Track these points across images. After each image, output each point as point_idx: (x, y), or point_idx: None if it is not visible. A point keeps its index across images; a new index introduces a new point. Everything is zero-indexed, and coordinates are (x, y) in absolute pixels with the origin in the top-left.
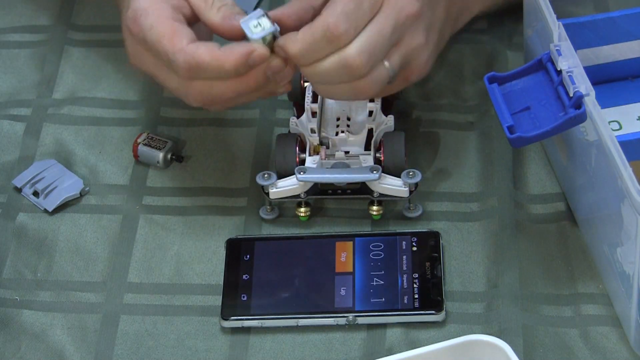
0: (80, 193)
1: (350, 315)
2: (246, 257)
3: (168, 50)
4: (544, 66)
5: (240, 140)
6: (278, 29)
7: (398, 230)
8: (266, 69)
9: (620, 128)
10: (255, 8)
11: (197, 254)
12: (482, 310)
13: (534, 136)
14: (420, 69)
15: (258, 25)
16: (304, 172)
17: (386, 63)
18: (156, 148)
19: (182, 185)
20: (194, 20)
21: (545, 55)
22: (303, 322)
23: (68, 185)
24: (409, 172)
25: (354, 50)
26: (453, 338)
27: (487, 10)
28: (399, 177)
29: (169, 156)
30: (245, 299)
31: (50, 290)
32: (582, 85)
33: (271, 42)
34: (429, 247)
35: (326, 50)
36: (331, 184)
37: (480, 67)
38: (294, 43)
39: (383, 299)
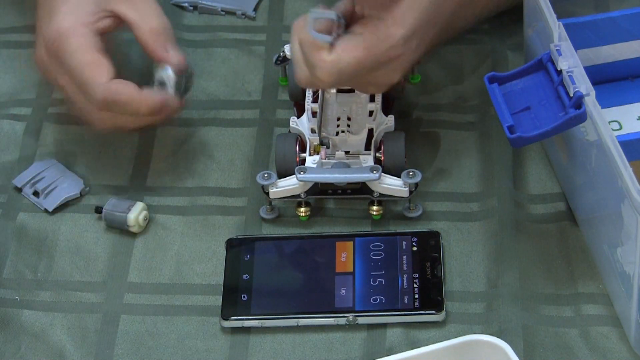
0: (80, 193)
1: (351, 315)
2: (246, 257)
3: (88, 82)
4: (544, 66)
5: (240, 140)
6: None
7: (398, 230)
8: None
9: (620, 128)
10: (255, 9)
11: (197, 254)
12: (482, 310)
13: (534, 136)
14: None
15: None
16: (304, 172)
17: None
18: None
19: (182, 185)
20: (109, 30)
21: (545, 55)
22: (303, 322)
23: (68, 185)
24: (409, 172)
25: (325, 71)
26: (453, 338)
27: (481, 16)
28: (399, 177)
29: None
30: (245, 299)
31: (51, 290)
32: (582, 85)
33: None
34: (429, 247)
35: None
36: (331, 184)
37: (480, 67)
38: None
39: (383, 299)
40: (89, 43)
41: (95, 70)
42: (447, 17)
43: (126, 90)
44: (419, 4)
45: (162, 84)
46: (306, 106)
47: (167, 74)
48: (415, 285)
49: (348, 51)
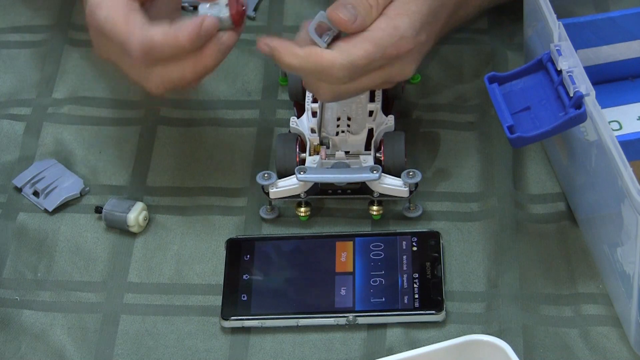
0: (80, 193)
1: (351, 315)
2: (246, 257)
3: (122, 37)
4: (544, 66)
5: (240, 140)
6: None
7: (398, 230)
8: (219, 45)
9: (620, 128)
10: (255, 9)
11: (197, 254)
12: (482, 310)
13: (534, 136)
14: (401, 80)
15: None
16: (304, 172)
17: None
18: None
19: (182, 185)
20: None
21: (545, 55)
22: (303, 322)
23: (68, 185)
24: (409, 172)
25: (337, 55)
26: (453, 338)
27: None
28: (399, 177)
29: None
30: (245, 299)
31: (50, 290)
32: (582, 85)
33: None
34: (429, 247)
35: (313, 77)
36: (331, 184)
37: (480, 67)
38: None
39: (383, 299)
40: (119, 4)
41: (127, 25)
42: (451, 8)
43: (159, 29)
44: None
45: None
46: (306, 106)
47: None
48: (415, 285)
49: (357, 46)
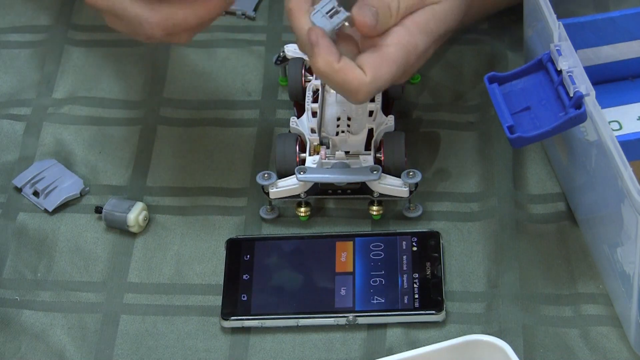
0: (80, 193)
1: (351, 315)
2: (246, 257)
3: (135, 22)
4: (544, 66)
5: (240, 140)
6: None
7: (398, 230)
8: None
9: (620, 128)
10: (255, 9)
11: (197, 254)
12: (482, 310)
13: (534, 136)
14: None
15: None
16: (304, 172)
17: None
18: None
19: (182, 185)
20: None
21: (545, 55)
22: (303, 322)
23: (68, 185)
24: (409, 172)
25: (366, 79)
26: (453, 338)
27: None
28: (399, 177)
29: None
30: (245, 299)
31: (50, 290)
32: (582, 85)
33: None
34: (429, 247)
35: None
36: (331, 184)
37: (480, 67)
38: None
39: (383, 299)
40: None
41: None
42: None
43: None
44: (439, 12)
45: None
46: (306, 106)
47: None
48: (415, 285)
49: (384, 69)
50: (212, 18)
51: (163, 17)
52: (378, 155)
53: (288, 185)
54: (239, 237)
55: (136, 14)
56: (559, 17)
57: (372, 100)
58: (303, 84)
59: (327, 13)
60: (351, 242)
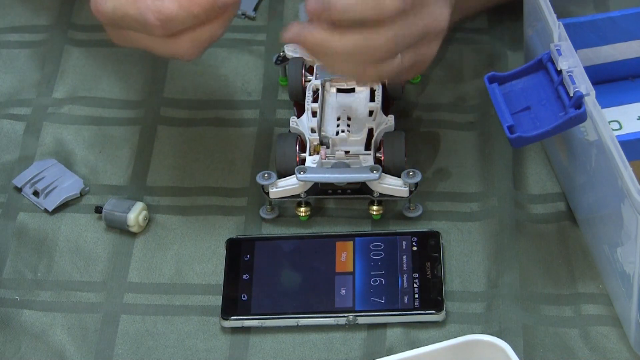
0: (80, 193)
1: (351, 315)
2: (246, 257)
3: (137, 17)
4: (544, 66)
5: (240, 140)
6: None
7: (398, 230)
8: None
9: (620, 128)
10: (255, 8)
11: (197, 254)
12: (482, 310)
13: (534, 136)
14: (423, 69)
15: None
16: (304, 172)
17: (399, 57)
18: None
19: (182, 185)
20: None
21: (545, 55)
22: (303, 322)
23: (68, 185)
24: (409, 172)
25: (383, 36)
26: (453, 338)
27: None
28: (399, 177)
29: None
30: (245, 299)
31: (50, 290)
32: (582, 85)
33: None
34: (429, 247)
35: (366, 12)
36: (331, 184)
37: (480, 67)
38: None
39: (383, 299)
40: None
41: (137, 3)
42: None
43: (171, 2)
44: None
45: None
46: (306, 106)
47: None
48: (415, 285)
49: None
50: (232, 19)
51: (190, 44)
52: (378, 155)
53: (288, 185)
54: (239, 237)
55: (166, 53)
56: (559, 17)
57: (372, 100)
58: (303, 83)
59: None
60: (351, 242)
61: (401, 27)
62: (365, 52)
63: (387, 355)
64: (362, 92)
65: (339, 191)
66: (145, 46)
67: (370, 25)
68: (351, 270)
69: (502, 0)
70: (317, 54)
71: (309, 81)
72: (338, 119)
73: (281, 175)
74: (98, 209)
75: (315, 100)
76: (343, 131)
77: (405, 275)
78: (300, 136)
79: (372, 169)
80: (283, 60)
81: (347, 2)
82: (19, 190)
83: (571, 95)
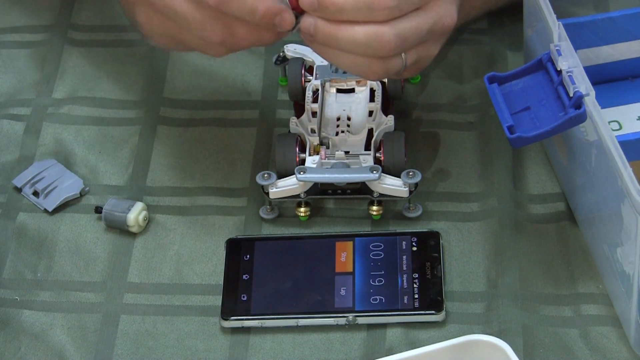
0: (80, 193)
1: (350, 315)
2: (246, 257)
3: None
4: (544, 66)
5: (240, 140)
6: None
7: (398, 230)
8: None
9: (620, 128)
10: None
11: (197, 254)
12: (482, 310)
13: (534, 136)
14: (423, 68)
15: None
16: (304, 172)
17: (403, 56)
18: None
19: (182, 185)
20: None
21: (545, 55)
22: (303, 322)
23: (68, 185)
24: (409, 172)
25: (392, 30)
26: (453, 338)
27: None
28: (399, 177)
29: None
30: (245, 299)
31: (50, 290)
32: (582, 85)
33: None
34: (429, 247)
35: (363, 16)
36: (331, 184)
37: (480, 67)
38: None
39: (383, 299)
40: None
41: None
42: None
43: None
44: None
45: None
46: (306, 106)
47: None
48: (415, 285)
49: None
50: (260, 45)
51: (222, 26)
52: (378, 155)
53: (288, 185)
54: (238, 237)
55: (198, 40)
56: (559, 17)
57: (372, 100)
58: (303, 84)
59: None
60: (351, 242)
61: (410, 24)
62: (373, 47)
63: (387, 355)
64: (362, 92)
65: (339, 191)
66: (178, 34)
67: (379, 20)
68: (351, 270)
69: (503, 3)
70: (325, 47)
71: (309, 81)
72: (338, 119)
73: (281, 175)
74: (98, 209)
75: (315, 101)
76: (343, 131)
77: (405, 276)
78: (300, 136)
79: (372, 169)
80: (283, 60)
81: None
82: (18, 190)
83: (571, 95)
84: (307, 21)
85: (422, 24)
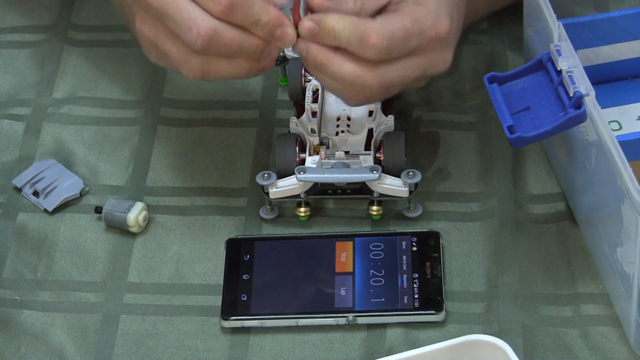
0: (80, 193)
1: (350, 315)
2: (246, 257)
3: (186, 19)
4: (544, 66)
5: (240, 140)
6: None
7: (398, 230)
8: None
9: (620, 128)
10: None
11: (197, 254)
12: (482, 310)
13: (534, 136)
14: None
15: None
16: (304, 172)
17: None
18: None
19: (182, 185)
20: None
21: (545, 55)
22: (303, 322)
23: (68, 185)
24: (409, 172)
25: (376, 79)
26: (453, 338)
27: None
28: (399, 177)
29: None
30: (245, 299)
31: (50, 290)
32: (582, 85)
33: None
34: (429, 247)
35: (354, 47)
36: (331, 184)
37: (480, 67)
38: (336, 22)
39: (383, 299)
40: None
41: (192, 12)
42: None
43: (228, 27)
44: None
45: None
46: (306, 106)
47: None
48: (415, 285)
49: (395, 19)
50: (264, 72)
51: (202, 67)
52: (378, 155)
53: (288, 185)
54: (238, 237)
55: (174, 62)
56: (558, 17)
57: None
58: (303, 84)
59: None
60: (351, 242)
61: (397, 73)
62: (356, 87)
63: (387, 355)
64: None
65: (339, 191)
66: (161, 44)
67: (368, 61)
68: (351, 270)
69: (504, 4)
70: (314, 70)
71: (309, 81)
72: (338, 119)
73: (281, 175)
74: (98, 209)
75: (315, 101)
76: (343, 131)
77: (405, 276)
78: (300, 136)
79: (372, 169)
80: (283, 60)
81: (336, 26)
82: (18, 190)
83: (571, 95)
84: (300, 44)
85: (411, 72)
